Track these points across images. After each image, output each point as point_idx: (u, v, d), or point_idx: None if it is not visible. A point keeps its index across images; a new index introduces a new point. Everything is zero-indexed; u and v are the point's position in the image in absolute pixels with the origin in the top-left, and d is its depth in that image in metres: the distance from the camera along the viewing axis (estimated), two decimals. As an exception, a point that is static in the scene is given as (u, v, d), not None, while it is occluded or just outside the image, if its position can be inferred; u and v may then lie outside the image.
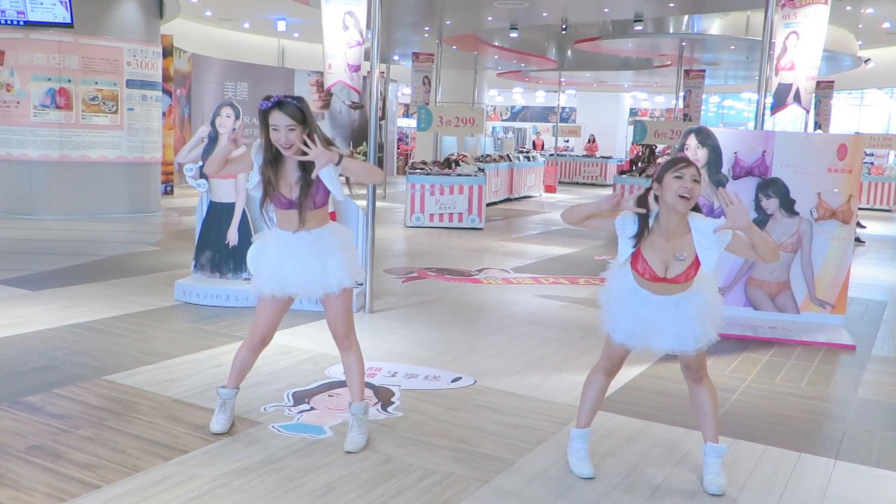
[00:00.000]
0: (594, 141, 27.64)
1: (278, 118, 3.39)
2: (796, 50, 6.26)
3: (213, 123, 6.56)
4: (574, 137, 28.57)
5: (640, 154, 16.28)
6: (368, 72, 6.19)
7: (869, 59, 16.96)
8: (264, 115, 3.41)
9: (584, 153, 26.96)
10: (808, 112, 6.22)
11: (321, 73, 22.77)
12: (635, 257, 3.22)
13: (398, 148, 25.97)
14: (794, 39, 6.29)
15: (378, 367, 4.91)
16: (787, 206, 6.26)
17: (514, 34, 14.25)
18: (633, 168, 16.10)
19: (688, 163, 3.15)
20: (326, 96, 23.30)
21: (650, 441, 3.91)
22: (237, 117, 6.54)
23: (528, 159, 18.73)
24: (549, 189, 20.39)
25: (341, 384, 4.57)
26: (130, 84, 11.84)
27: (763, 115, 6.27)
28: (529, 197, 18.57)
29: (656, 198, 3.19)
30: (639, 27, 12.70)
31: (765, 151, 6.21)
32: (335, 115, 22.40)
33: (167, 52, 14.52)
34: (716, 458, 3.39)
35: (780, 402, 4.61)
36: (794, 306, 6.37)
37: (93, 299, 6.40)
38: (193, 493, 3.14)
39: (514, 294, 7.40)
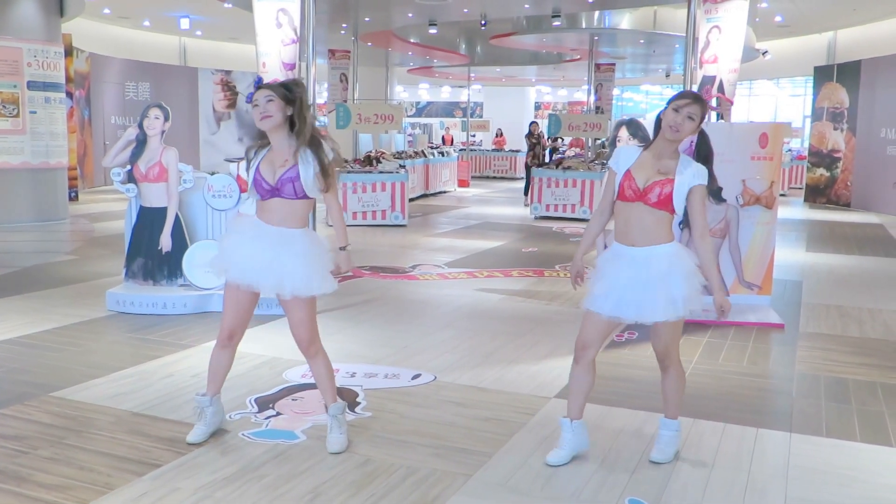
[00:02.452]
0: (502, 135, 27.99)
1: (258, 94, 3.43)
2: (718, 43, 6.53)
3: (140, 125, 6.31)
4: (482, 132, 28.86)
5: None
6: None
7: (767, 52, 17.81)
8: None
9: (493, 147, 27.28)
10: (732, 104, 6.50)
11: (226, 72, 22.27)
12: (625, 178, 3.34)
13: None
14: (717, 33, 6.56)
15: (335, 368, 4.82)
16: (715, 193, 6.52)
17: (433, 30, 14.27)
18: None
19: (692, 100, 3.31)
20: (232, 95, 22.83)
21: (617, 426, 4.02)
22: (166, 118, 6.31)
23: (442, 155, 18.82)
24: (463, 183, 20.53)
25: (302, 387, 4.52)
26: (32, 86, 11.26)
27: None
28: (445, 192, 18.66)
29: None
30: (557, 22, 12.95)
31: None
32: (241, 115, 21.86)
33: (67, 52, 13.87)
34: (672, 431, 3.59)
35: (727, 380, 4.82)
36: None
37: (19, 313, 6.08)
38: (178, 507, 3.05)
39: (453, 289, 7.45)
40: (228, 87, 22.31)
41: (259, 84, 3.47)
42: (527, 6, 12.68)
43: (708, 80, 6.53)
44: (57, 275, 7.72)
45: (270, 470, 3.40)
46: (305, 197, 3.49)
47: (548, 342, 5.52)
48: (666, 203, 3.30)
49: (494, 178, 24.64)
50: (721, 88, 6.55)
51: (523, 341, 5.58)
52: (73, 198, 14.36)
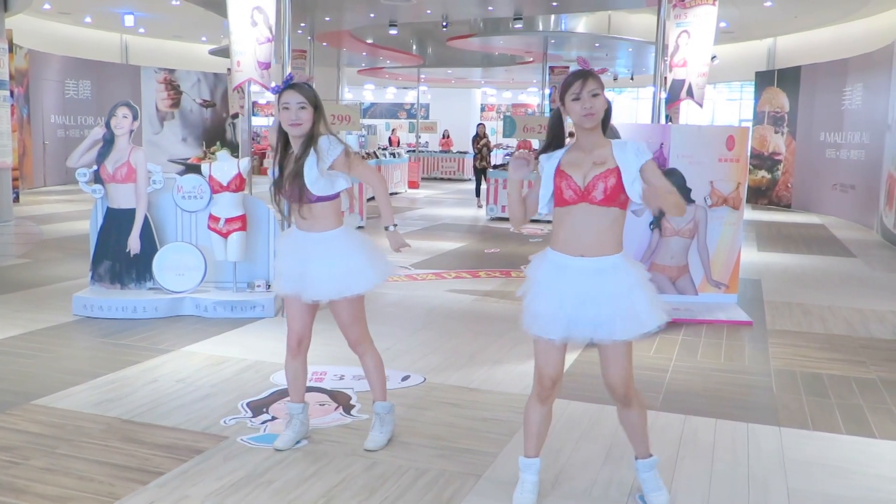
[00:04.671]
0: (448, 136, 28.04)
1: (290, 96, 3.36)
2: (688, 48, 6.68)
3: (108, 125, 6.13)
4: (430, 133, 28.87)
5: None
6: (229, 69, 6.04)
7: (715, 57, 18.20)
8: (277, 99, 3.39)
9: (441, 149, 27.31)
10: (701, 106, 6.66)
11: (170, 71, 21.74)
12: (559, 177, 2.95)
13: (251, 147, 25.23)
14: (686, 38, 6.71)
15: (322, 370, 4.82)
16: (685, 194, 6.66)
17: (393, 31, 14.19)
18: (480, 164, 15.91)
19: (584, 80, 2.88)
20: (176, 94, 22.31)
21: (613, 423, 4.05)
22: (135, 118, 6.16)
23: (394, 156, 18.77)
24: (413, 185, 20.52)
25: (293, 391, 4.45)
26: (-26, 83, 10.85)
27: (660, 109, 6.65)
28: (396, 193, 18.61)
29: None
30: (518, 25, 13.04)
31: (662, 144, 6.59)
32: (186, 114, 21.47)
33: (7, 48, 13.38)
34: (650, 471, 3.17)
35: (709, 377, 4.93)
36: (692, 288, 6.80)
37: (-20, 319, 5.85)
38: (190, 515, 2.98)
39: (424, 290, 7.44)
40: (172, 86, 21.92)
41: (290, 83, 3.41)
42: (491, 8, 12.74)
43: (678, 84, 6.67)
44: (12, 279, 7.45)
45: (277, 475, 3.34)
46: (320, 200, 3.43)
47: (528, 343, 5.45)
48: (614, 197, 2.88)
49: (442, 179, 24.67)
50: (690, 91, 6.69)
51: (504, 342, 5.60)
52: (15, 199, 13.87)
